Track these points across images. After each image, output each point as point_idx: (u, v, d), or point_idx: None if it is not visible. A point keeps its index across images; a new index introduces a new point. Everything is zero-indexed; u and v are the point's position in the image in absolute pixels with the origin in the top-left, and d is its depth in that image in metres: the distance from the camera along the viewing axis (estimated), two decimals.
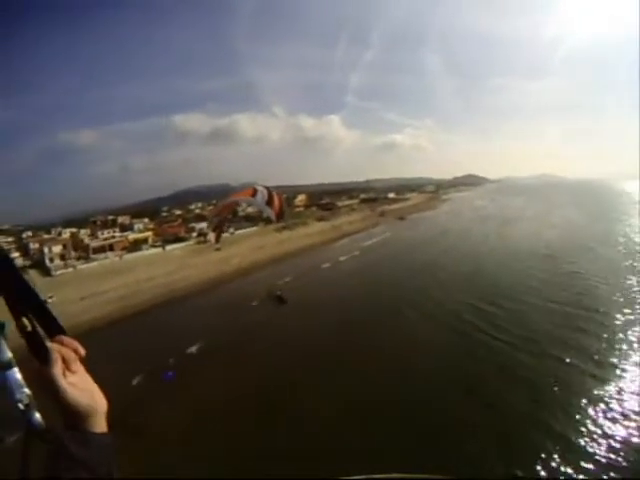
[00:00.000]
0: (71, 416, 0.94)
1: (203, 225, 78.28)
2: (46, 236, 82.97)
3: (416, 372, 19.18)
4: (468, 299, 29.61)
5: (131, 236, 73.25)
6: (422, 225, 74.89)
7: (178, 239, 69.93)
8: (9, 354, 0.87)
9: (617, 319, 24.41)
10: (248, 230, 74.59)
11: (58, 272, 54.95)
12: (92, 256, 64.26)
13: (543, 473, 12.69)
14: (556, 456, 13.28)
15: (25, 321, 0.91)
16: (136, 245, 69.00)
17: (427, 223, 78.54)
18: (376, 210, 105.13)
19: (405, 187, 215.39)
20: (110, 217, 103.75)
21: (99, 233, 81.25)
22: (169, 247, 65.92)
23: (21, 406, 0.85)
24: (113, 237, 74.94)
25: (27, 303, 0.93)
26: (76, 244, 70.74)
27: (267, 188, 18.61)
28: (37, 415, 0.86)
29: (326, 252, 53.86)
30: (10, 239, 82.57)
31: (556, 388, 17.13)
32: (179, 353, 24.43)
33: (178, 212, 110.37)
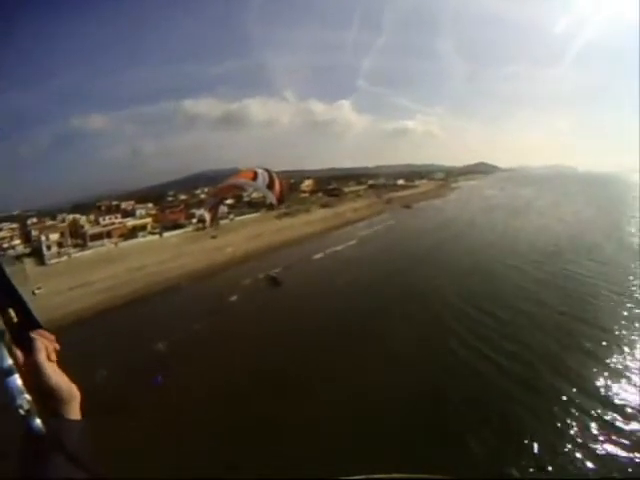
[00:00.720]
0: (53, 402, 0.96)
1: (203, 211, 75.45)
2: (50, 222, 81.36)
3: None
4: (461, 304, 25.90)
5: (129, 223, 70.62)
6: (427, 214, 70.82)
7: (176, 226, 67.05)
8: (9, 361, 0.88)
9: (622, 340, 20.59)
10: (248, 217, 71.38)
11: (52, 261, 52.96)
12: (89, 243, 62.42)
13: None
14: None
15: (11, 312, 0.97)
16: (134, 232, 66.61)
17: (433, 212, 74.22)
18: (383, 197, 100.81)
19: (415, 174, 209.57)
20: (115, 203, 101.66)
21: (100, 219, 79.00)
22: (167, 234, 63.25)
23: (22, 412, 0.85)
24: (112, 224, 72.76)
25: (10, 297, 0.99)
26: (74, 231, 68.83)
27: (268, 171, 17.44)
28: (37, 420, 0.86)
29: (324, 240, 50.61)
30: (15, 225, 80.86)
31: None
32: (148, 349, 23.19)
33: (183, 197, 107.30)
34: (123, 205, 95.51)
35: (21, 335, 0.97)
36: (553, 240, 42.86)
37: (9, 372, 0.87)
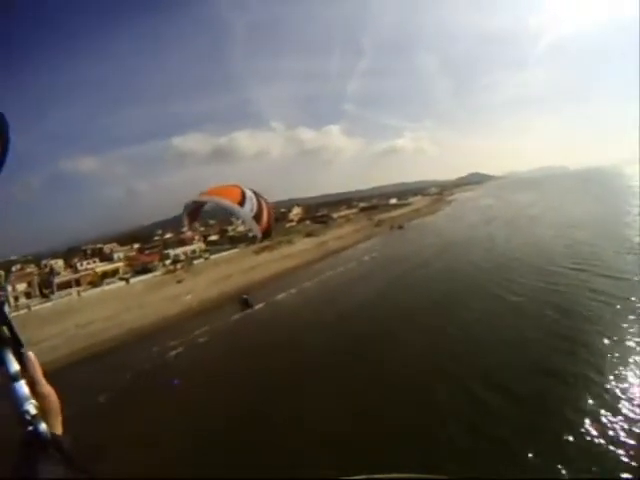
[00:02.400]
0: (43, 412, 0.92)
1: (180, 251, 68.53)
2: (28, 270, 75.48)
3: None
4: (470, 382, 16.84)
5: (99, 268, 63.61)
6: (419, 235, 62.07)
7: (147, 269, 59.80)
8: (17, 366, 0.88)
9: None
10: (225, 254, 64.05)
11: (11, 315, 45.80)
12: (57, 293, 56.16)
13: None
14: None
15: (5, 329, 0.96)
16: (104, 278, 59.76)
17: (425, 232, 65.76)
18: (374, 219, 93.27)
19: (408, 191, 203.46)
20: (99, 245, 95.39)
21: (79, 264, 72.45)
22: (135, 279, 55.96)
23: (28, 417, 0.83)
24: (86, 270, 66.10)
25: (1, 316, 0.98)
26: (45, 280, 62.40)
27: (256, 195, 14.42)
28: (43, 425, 0.84)
29: (295, 278, 42.66)
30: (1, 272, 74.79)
31: None
32: None
33: (169, 235, 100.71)
34: (107, 248, 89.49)
35: (14, 350, 0.95)
36: (553, 255, 35.39)
37: (16, 377, 0.86)
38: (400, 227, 79.72)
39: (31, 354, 0.99)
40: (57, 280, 59.51)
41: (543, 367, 16.40)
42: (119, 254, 78.08)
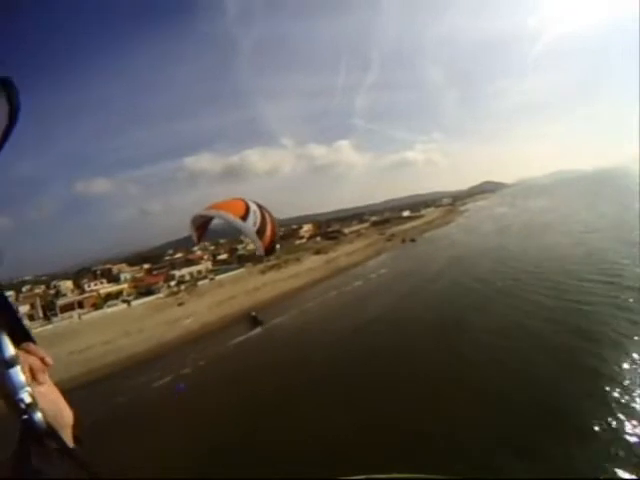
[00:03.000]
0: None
1: (185, 271, 66.06)
2: (37, 291, 74.20)
3: None
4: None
5: (103, 290, 61.51)
6: (431, 248, 58.36)
7: (150, 292, 57.35)
8: (12, 351, 0.76)
9: None
10: (231, 274, 61.20)
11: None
12: (60, 315, 54.21)
13: None
14: None
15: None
16: (107, 300, 57.54)
17: (438, 244, 61.82)
18: (385, 233, 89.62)
19: (421, 203, 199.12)
20: (107, 266, 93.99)
21: (86, 286, 70.73)
22: (137, 302, 53.50)
23: (22, 405, 0.74)
24: (92, 291, 64.24)
25: None
26: (48, 302, 60.69)
27: (261, 208, 11.22)
28: (39, 415, 0.75)
29: (293, 301, 39.45)
30: (11, 293, 73.55)
31: None
32: None
33: (179, 255, 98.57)
34: (114, 269, 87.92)
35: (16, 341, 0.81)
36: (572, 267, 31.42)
37: (11, 363, 0.75)
38: (412, 240, 75.95)
39: (23, 361, 0.80)
40: (60, 302, 57.75)
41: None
42: (126, 275, 76.25)
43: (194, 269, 67.02)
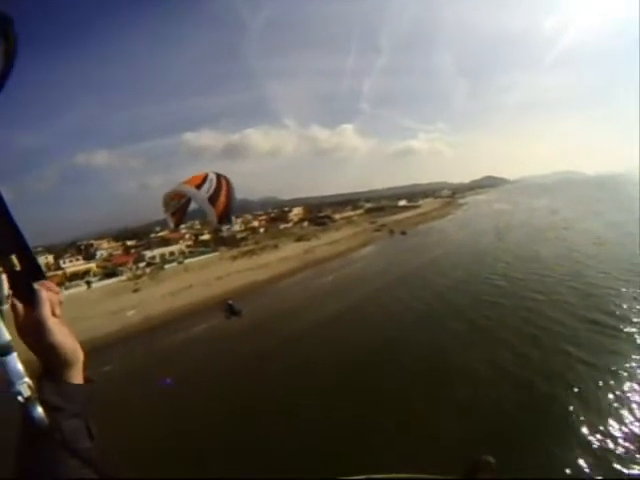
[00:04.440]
0: (54, 362, 0.79)
1: (157, 252, 60.94)
2: None
3: None
4: None
5: (70, 269, 56.67)
6: (420, 244, 52.49)
7: (114, 273, 52.37)
8: (8, 337, 0.70)
9: None
10: (202, 258, 56.01)
11: None
12: None
13: None
14: None
15: (14, 259, 0.77)
16: (72, 279, 52.75)
17: (428, 240, 55.85)
18: (376, 222, 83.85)
19: (420, 193, 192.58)
20: (91, 241, 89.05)
21: (61, 262, 65.90)
22: (98, 284, 48.64)
23: (21, 399, 0.68)
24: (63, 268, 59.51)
25: (15, 242, 0.78)
26: None
27: (220, 177, 12.92)
28: (39, 409, 0.68)
29: (253, 297, 34.06)
30: None
31: None
32: None
33: (163, 233, 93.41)
34: (95, 244, 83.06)
35: (23, 285, 0.78)
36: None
37: (7, 350, 0.69)
38: (403, 233, 69.97)
39: (44, 293, 0.80)
40: None
41: None
42: (102, 252, 71.35)
43: (167, 250, 61.89)
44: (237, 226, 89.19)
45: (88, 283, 48.75)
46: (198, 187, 13.13)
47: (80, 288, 48.20)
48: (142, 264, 55.64)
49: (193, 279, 41.50)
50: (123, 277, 49.53)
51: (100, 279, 51.43)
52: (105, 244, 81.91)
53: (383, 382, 15.40)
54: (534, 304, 23.00)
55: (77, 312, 35.84)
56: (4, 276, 0.79)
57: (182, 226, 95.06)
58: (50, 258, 72.22)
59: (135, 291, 40.77)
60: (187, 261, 54.49)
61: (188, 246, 67.63)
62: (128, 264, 56.17)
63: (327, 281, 36.88)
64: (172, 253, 61.19)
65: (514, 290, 26.46)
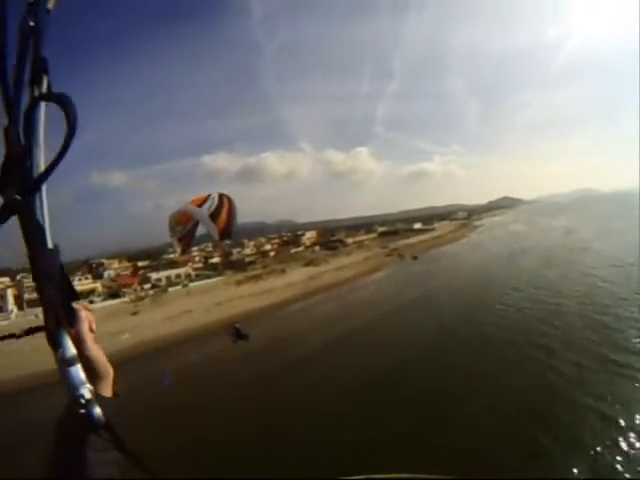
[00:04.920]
0: (89, 376, 0.84)
1: (163, 275, 59.92)
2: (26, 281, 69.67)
3: None
4: None
5: (78, 287, 55.77)
6: (426, 271, 49.26)
7: (117, 294, 51.35)
8: (73, 350, 0.80)
9: None
10: (208, 281, 54.58)
11: None
12: (27, 310, 49.23)
13: None
14: None
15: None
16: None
17: (437, 267, 52.75)
18: (387, 247, 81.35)
19: (435, 216, 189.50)
20: (102, 260, 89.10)
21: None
22: (100, 304, 47.62)
23: (82, 401, 0.76)
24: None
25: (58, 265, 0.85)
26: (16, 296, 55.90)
27: (222, 196, 13.20)
28: (97, 410, 0.77)
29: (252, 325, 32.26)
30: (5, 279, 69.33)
31: None
32: None
33: (173, 255, 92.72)
34: (106, 264, 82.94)
35: (65, 305, 0.85)
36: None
37: (72, 362, 0.78)
38: (414, 257, 67.36)
39: (82, 312, 0.90)
40: (27, 296, 52.72)
41: None
42: (110, 272, 70.91)
43: (173, 273, 60.80)
44: (248, 249, 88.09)
45: (90, 303, 47.66)
46: (200, 206, 13.46)
47: None
48: (147, 286, 54.57)
49: (194, 304, 39.90)
50: (126, 299, 48.36)
51: (104, 299, 50.56)
52: (116, 264, 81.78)
53: (391, 404, 15.06)
54: (544, 340, 20.23)
55: None
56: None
57: (193, 248, 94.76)
58: None
59: (134, 314, 39.41)
60: (192, 285, 53.15)
61: (195, 269, 66.53)
62: (133, 285, 55.20)
63: (327, 310, 34.78)
64: (178, 276, 60.08)
65: (523, 321, 23.96)
